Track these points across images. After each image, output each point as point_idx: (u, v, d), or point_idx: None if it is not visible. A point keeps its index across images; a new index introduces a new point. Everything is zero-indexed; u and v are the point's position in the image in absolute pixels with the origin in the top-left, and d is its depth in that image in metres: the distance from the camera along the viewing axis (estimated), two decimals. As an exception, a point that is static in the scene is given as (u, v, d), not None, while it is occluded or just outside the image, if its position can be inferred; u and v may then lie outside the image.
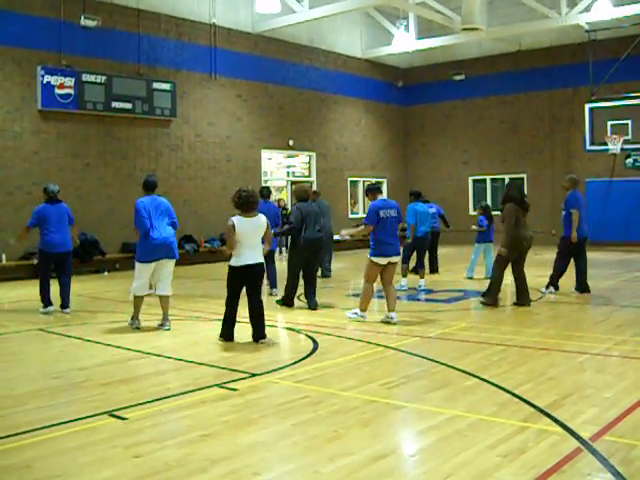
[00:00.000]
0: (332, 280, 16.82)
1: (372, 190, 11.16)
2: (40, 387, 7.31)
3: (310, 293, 12.45)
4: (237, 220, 9.25)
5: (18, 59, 18.87)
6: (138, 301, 10.69)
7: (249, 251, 9.27)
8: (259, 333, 9.35)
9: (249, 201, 9.31)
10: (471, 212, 29.78)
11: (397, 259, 11.01)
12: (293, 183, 27.42)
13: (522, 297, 12.29)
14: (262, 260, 9.48)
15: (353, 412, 6.17)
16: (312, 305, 12.33)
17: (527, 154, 28.83)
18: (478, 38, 26.82)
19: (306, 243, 12.24)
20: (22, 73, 18.95)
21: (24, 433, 5.71)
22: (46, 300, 12.50)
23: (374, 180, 30.43)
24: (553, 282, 13.76)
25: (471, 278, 16.39)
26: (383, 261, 10.73)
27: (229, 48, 24.20)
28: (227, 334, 9.46)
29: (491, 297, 12.31)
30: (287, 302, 12.66)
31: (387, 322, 10.66)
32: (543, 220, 24.06)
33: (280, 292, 13.45)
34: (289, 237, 12.82)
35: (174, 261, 10.76)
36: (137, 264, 10.57)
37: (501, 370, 7.62)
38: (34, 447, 5.42)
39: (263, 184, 23.90)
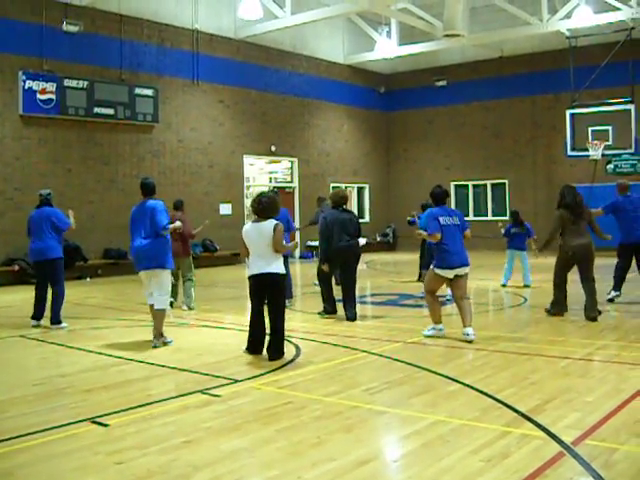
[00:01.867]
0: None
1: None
2: (22, 394, 7.26)
3: (347, 304, 11.83)
4: (245, 226, 8.94)
5: (-1, 64, 18.80)
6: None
7: (255, 260, 8.73)
8: (269, 352, 8.75)
9: (256, 207, 8.79)
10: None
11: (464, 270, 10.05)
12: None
13: (587, 309, 11.43)
14: (272, 270, 8.66)
15: (336, 418, 6.17)
16: (350, 316, 11.68)
17: (509, 159, 28.98)
18: (460, 44, 26.93)
19: (331, 252, 11.69)
20: (3, 78, 18.87)
21: (6, 440, 5.67)
22: (34, 312, 11.72)
23: (355, 186, 30.51)
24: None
25: (504, 286, 15.85)
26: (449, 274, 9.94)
27: (211, 54, 24.20)
28: (249, 348, 9.00)
29: (554, 306, 11.78)
30: (328, 311, 12.14)
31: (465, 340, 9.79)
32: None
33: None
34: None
35: (160, 271, 9.75)
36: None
37: (484, 375, 7.64)
38: (16, 454, 5.38)
39: (246, 190, 23.95)
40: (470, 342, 9.50)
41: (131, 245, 9.88)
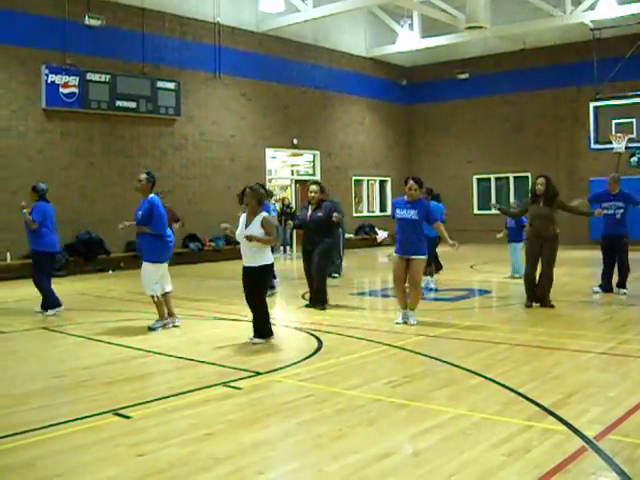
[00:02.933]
0: (338, 279, 16.71)
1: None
2: (43, 386, 7.32)
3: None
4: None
5: (23, 58, 18.89)
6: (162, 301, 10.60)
7: (242, 251, 9.32)
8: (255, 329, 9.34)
9: (242, 197, 9.26)
10: (475, 211, 29.78)
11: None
12: (297, 182, 27.44)
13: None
14: (251, 264, 9.17)
15: (357, 411, 6.16)
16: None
17: (531, 153, 28.79)
18: (482, 36, 26.81)
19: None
20: (27, 72, 18.97)
21: (27, 432, 5.71)
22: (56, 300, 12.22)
23: (378, 179, 30.50)
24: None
25: (518, 277, 15.66)
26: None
27: (233, 47, 24.21)
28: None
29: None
30: (324, 303, 12.29)
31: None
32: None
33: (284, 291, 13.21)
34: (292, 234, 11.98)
35: None
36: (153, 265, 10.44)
37: (505, 369, 7.61)
38: (36, 446, 5.41)
39: (268, 183, 24.02)
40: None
41: (168, 235, 10.53)
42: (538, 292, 11.89)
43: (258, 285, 9.25)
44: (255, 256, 9.11)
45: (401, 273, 10.35)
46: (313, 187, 12.43)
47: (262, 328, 9.24)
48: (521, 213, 12.79)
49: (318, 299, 12.17)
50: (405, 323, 10.43)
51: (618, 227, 13.23)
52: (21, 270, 18.18)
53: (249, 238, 8.96)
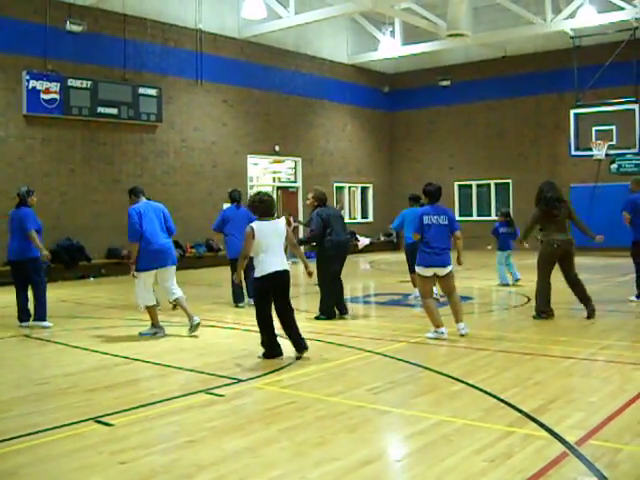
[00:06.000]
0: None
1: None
2: (25, 393, 7.28)
3: (342, 300, 12.05)
4: (257, 225, 8.65)
5: (3, 64, 18.82)
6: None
7: (274, 257, 8.59)
8: (299, 344, 8.71)
9: (269, 205, 8.78)
10: (457, 217, 29.82)
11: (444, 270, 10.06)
12: (279, 189, 27.41)
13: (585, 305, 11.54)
14: (288, 267, 8.78)
15: (339, 417, 6.16)
16: (344, 312, 11.99)
17: (513, 159, 28.97)
18: (464, 44, 26.94)
19: (333, 246, 11.66)
20: (7, 78, 18.90)
21: (9, 440, 5.68)
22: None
23: (359, 186, 30.53)
24: None
25: (506, 285, 15.99)
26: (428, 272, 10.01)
27: (215, 53, 24.22)
28: (271, 353, 8.72)
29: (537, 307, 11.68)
30: (327, 314, 11.82)
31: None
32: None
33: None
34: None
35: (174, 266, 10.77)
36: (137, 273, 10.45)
37: (487, 375, 7.63)
38: (19, 454, 5.39)
39: (249, 189, 23.98)
40: (463, 336, 9.75)
41: (151, 243, 10.26)
42: (581, 296, 11.50)
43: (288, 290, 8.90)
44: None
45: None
46: (308, 195, 12.42)
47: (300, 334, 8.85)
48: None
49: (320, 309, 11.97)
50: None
51: None
52: (2, 277, 18.07)
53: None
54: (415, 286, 13.17)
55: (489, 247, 16.96)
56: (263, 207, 8.72)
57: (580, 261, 13.37)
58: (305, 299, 14.54)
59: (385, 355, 8.83)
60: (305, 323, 11.35)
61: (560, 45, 26.80)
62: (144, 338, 10.28)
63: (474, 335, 10.01)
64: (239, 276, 9.31)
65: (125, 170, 21.44)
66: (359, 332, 10.52)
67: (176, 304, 10.83)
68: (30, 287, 11.62)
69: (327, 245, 11.68)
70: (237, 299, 13.37)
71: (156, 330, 10.53)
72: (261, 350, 8.75)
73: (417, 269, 10.06)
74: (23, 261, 11.48)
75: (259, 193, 9.04)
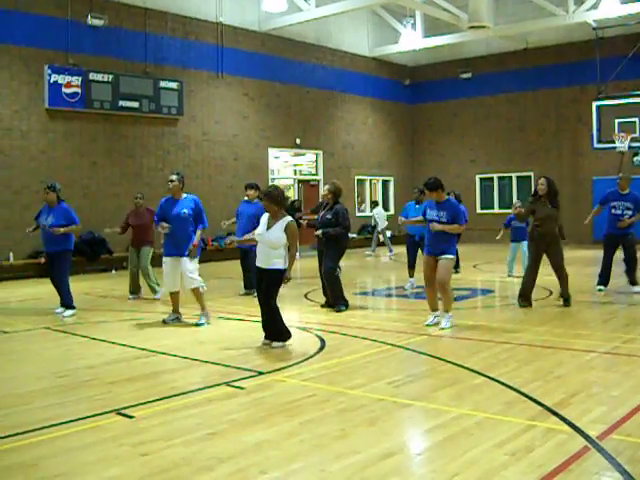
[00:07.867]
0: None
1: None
2: (46, 386, 7.32)
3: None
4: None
5: (25, 58, 18.92)
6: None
7: (259, 250, 9.07)
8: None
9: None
10: (478, 210, 29.74)
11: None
12: (300, 182, 27.41)
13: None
14: (266, 266, 8.87)
15: (360, 410, 6.16)
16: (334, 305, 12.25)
17: (534, 152, 28.79)
18: (485, 36, 26.80)
19: (348, 240, 12.34)
20: (29, 72, 18.99)
21: (30, 432, 5.71)
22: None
23: (380, 179, 30.48)
24: None
25: (510, 276, 16.34)
26: None
27: (236, 47, 24.22)
28: (290, 334, 9.15)
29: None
30: (345, 302, 12.07)
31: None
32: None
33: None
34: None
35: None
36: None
37: (508, 368, 7.60)
38: (40, 445, 5.42)
39: (270, 182, 23.98)
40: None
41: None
42: (562, 290, 11.93)
43: (270, 288, 8.93)
44: (271, 259, 8.82)
45: (431, 273, 10.27)
46: (325, 187, 12.47)
47: (277, 331, 9.00)
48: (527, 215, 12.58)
49: (330, 302, 12.10)
50: (436, 325, 10.24)
51: (625, 227, 13.14)
52: (24, 270, 18.23)
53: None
54: (411, 276, 14.83)
55: (497, 238, 17.00)
56: (285, 203, 9.04)
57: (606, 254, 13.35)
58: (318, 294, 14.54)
59: (406, 348, 8.82)
60: (327, 316, 11.36)
61: (582, 37, 26.58)
62: (165, 330, 10.33)
63: (495, 328, 9.99)
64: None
65: (146, 163, 21.51)
66: (380, 325, 10.51)
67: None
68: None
69: (345, 239, 12.09)
70: (250, 285, 13.73)
71: (177, 316, 10.98)
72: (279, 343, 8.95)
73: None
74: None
75: (277, 187, 9.18)
